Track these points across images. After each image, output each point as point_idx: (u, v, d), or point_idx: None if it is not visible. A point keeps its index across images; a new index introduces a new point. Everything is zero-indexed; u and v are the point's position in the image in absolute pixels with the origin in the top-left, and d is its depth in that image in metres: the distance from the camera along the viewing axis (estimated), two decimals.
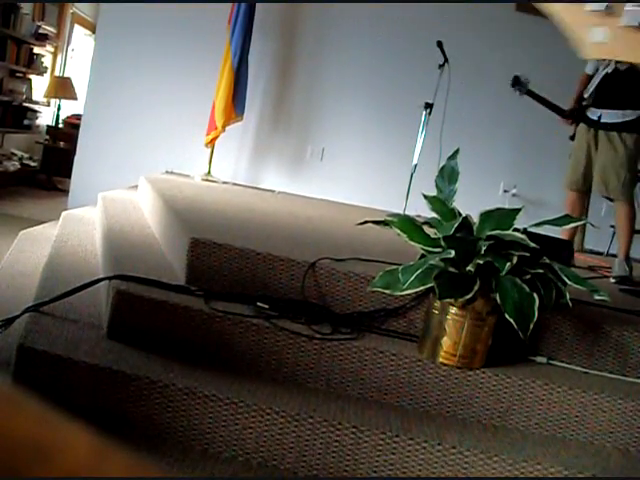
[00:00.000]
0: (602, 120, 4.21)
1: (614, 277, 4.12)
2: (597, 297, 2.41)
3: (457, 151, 2.62)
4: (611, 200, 4.38)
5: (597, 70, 4.24)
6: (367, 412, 2.36)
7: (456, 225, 2.21)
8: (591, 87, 4.26)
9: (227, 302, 2.61)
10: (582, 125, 4.39)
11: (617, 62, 4.10)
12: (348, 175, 6.07)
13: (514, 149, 5.99)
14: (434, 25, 5.81)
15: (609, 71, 4.16)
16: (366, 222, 2.48)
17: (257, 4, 5.66)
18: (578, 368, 2.73)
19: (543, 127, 5.25)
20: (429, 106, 5.23)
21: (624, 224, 4.18)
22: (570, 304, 2.48)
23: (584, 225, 5.02)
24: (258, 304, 2.61)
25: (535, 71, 4.90)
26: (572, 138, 4.57)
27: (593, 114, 4.27)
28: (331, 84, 6.11)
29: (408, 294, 2.45)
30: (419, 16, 5.93)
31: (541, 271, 2.30)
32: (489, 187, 5.80)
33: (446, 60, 5.24)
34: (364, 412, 2.35)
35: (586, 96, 4.32)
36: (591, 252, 5.27)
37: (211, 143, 5.76)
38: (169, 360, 2.41)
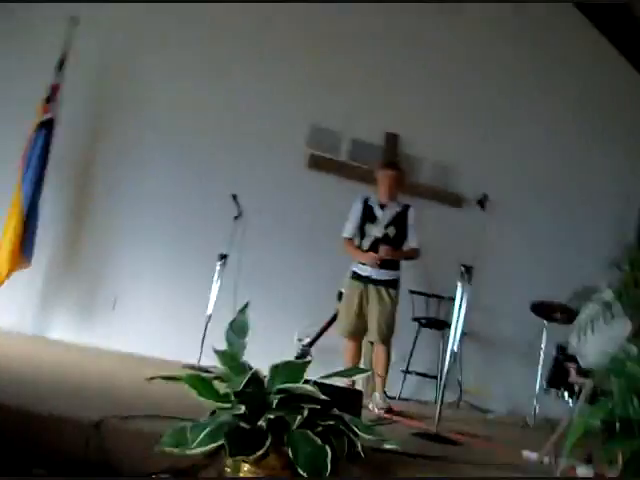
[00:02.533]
0: (373, 277, 5.03)
1: (381, 408, 4.85)
2: (387, 446, 2.46)
3: (246, 305, 2.65)
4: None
5: (363, 233, 5.13)
6: None
7: (245, 380, 2.19)
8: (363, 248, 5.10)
9: None
10: (352, 280, 5.11)
11: (386, 227, 5.07)
12: (142, 325, 5.89)
13: (309, 298, 6.16)
14: (229, 177, 6.00)
15: (379, 235, 5.05)
16: (155, 378, 2.40)
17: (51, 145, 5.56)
18: None
19: (335, 277, 5.48)
20: (223, 257, 5.31)
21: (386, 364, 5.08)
22: (362, 454, 2.50)
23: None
24: (34, 470, 2.39)
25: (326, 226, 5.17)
26: (340, 296, 5.22)
27: (363, 271, 5.06)
28: (126, 230, 6.02)
29: (201, 452, 2.35)
30: (214, 168, 6.11)
31: (332, 422, 2.32)
32: (283, 336, 5.88)
33: (240, 212, 5.40)
34: None
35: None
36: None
37: None
38: None
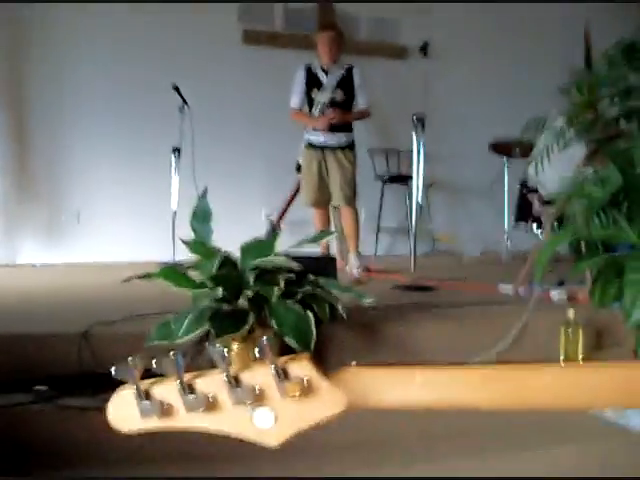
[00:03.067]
0: (328, 143, 5.03)
1: (357, 268, 4.96)
2: (365, 301, 2.54)
3: (205, 191, 2.65)
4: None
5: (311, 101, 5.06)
6: (168, 467, 2.29)
7: (217, 263, 2.23)
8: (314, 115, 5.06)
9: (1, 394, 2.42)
10: (308, 150, 5.10)
11: (333, 92, 5.00)
12: (110, 232, 5.89)
13: (269, 175, 6.17)
14: (168, 68, 5.83)
15: (327, 101, 4.99)
16: (130, 279, 2.42)
17: None
18: None
19: (289, 147, 5.46)
20: (176, 150, 5.24)
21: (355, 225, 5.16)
22: (344, 314, 2.59)
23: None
24: (36, 388, 2.45)
25: (272, 101, 5.10)
26: (298, 167, 5.27)
27: (318, 138, 5.04)
28: (74, 143, 5.90)
29: (188, 340, 2.42)
30: (150, 60, 5.93)
31: (310, 289, 2.38)
32: (251, 216, 5.92)
33: (185, 102, 5.29)
34: (172, 470, 2.28)
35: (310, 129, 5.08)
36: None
37: None
38: None
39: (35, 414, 2.33)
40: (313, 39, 5.17)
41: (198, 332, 2.28)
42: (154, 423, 0.66)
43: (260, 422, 0.66)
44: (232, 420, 0.66)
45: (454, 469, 2.35)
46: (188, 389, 0.66)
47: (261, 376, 0.65)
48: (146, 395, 0.66)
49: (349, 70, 5.06)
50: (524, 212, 5.53)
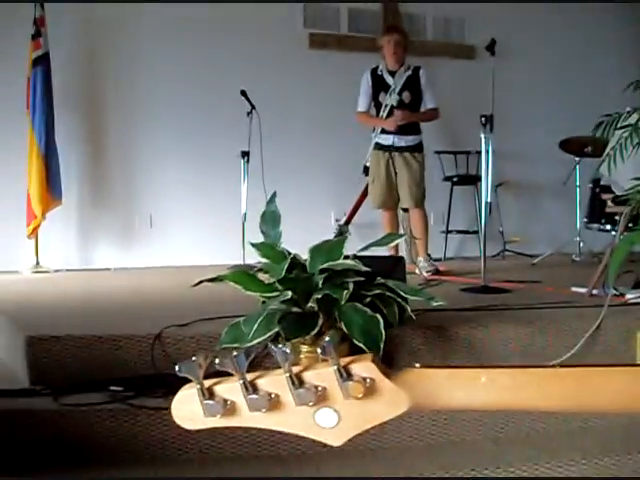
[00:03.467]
0: (396, 144, 5.02)
1: (427, 272, 4.94)
2: (434, 304, 2.52)
3: (274, 195, 2.68)
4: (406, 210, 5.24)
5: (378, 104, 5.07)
6: (244, 469, 2.32)
7: (286, 266, 2.25)
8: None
9: (78, 394, 2.49)
10: (376, 151, 5.11)
11: (400, 94, 4.98)
12: (181, 236, 6.00)
13: (337, 178, 6.18)
14: (236, 74, 5.91)
15: (394, 103, 4.97)
16: (201, 282, 2.47)
17: (53, 83, 5.52)
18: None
19: (358, 151, 5.46)
20: (245, 154, 5.31)
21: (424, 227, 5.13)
22: (413, 316, 2.58)
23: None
24: (111, 388, 2.52)
25: (338, 104, 5.12)
26: (366, 170, 5.23)
27: (385, 140, 5.04)
28: (146, 147, 6.03)
29: (258, 343, 2.45)
30: (222, 65, 6.02)
31: (379, 291, 2.38)
32: (321, 220, 5.95)
33: (253, 107, 5.35)
34: (242, 470, 2.32)
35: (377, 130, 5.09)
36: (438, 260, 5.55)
37: (33, 233, 5.53)
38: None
39: (109, 414, 2.39)
40: (378, 42, 5.16)
41: (268, 335, 2.30)
42: (217, 421, 0.67)
43: (323, 422, 0.66)
44: (295, 420, 0.66)
45: (526, 474, 2.32)
46: (251, 388, 0.67)
47: (324, 376, 0.65)
48: (210, 393, 0.67)
49: (415, 71, 5.05)
50: (597, 212, 5.39)
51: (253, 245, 2.54)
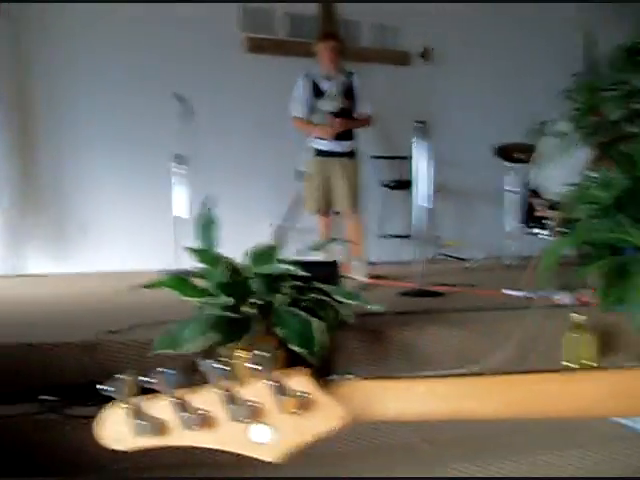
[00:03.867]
0: (335, 150, 5.05)
1: (364, 274, 4.99)
2: (372, 308, 2.53)
3: (209, 199, 2.65)
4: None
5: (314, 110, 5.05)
6: (180, 473, 2.29)
7: (221, 271, 2.23)
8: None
9: (9, 404, 2.42)
10: (314, 157, 5.10)
11: (336, 100, 4.99)
12: (114, 242, 5.89)
13: (273, 182, 6.17)
14: (171, 76, 5.83)
15: (332, 110, 4.98)
16: (136, 287, 2.42)
17: None
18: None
19: (295, 156, 5.45)
20: (179, 158, 5.24)
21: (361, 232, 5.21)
22: (352, 318, 2.59)
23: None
24: (43, 397, 2.45)
25: (275, 109, 5.11)
26: (299, 175, 5.21)
27: (324, 146, 5.06)
28: (78, 152, 5.90)
29: (193, 349, 2.42)
30: (157, 68, 5.93)
31: (315, 296, 2.38)
32: (257, 224, 5.92)
33: (187, 111, 5.29)
34: (180, 475, 2.28)
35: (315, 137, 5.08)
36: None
37: None
38: None
39: (42, 424, 2.33)
40: (314, 48, 5.16)
41: (203, 341, 2.27)
42: (148, 441, 0.64)
43: (257, 437, 0.65)
44: (228, 436, 0.64)
45: (461, 474, 2.35)
46: (182, 406, 0.64)
47: (258, 390, 0.63)
48: (139, 412, 0.64)
49: (349, 76, 5.07)
50: (528, 216, 5.52)
51: (189, 250, 2.51)
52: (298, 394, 0.64)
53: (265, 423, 0.64)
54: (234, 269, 2.36)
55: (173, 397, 0.65)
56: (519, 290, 3.96)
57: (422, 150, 4.29)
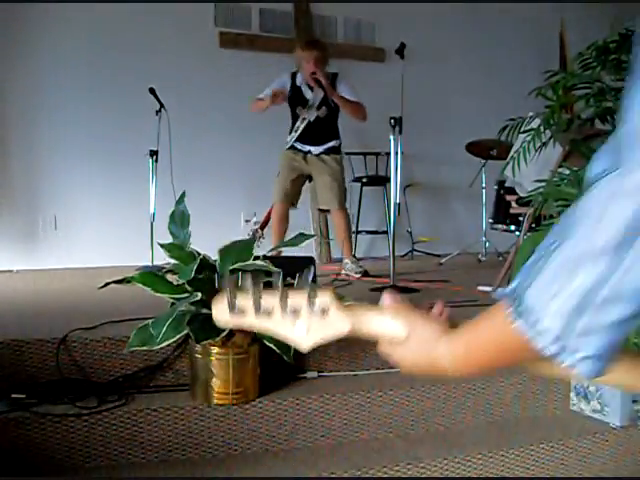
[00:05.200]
0: (313, 152, 4.98)
1: (357, 273, 4.87)
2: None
3: (183, 194, 2.64)
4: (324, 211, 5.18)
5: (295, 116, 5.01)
6: (153, 472, 2.28)
7: (195, 267, 2.22)
8: (297, 130, 4.96)
9: None
10: (289, 151, 5.02)
11: (318, 109, 4.94)
12: (87, 237, 5.84)
13: (247, 178, 6.15)
14: (145, 71, 5.78)
15: (311, 119, 4.92)
16: (108, 284, 2.41)
17: None
18: (347, 373, 2.86)
19: (270, 152, 5.44)
20: (154, 153, 5.20)
21: (348, 228, 5.06)
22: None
23: (327, 238, 5.50)
24: (13, 396, 2.42)
25: (247, 101, 5.09)
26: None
27: (302, 147, 4.99)
28: (50, 145, 5.84)
29: (168, 345, 2.41)
30: (131, 62, 5.88)
31: None
32: (231, 220, 5.90)
33: (162, 106, 5.26)
34: (151, 474, 2.27)
35: (294, 134, 4.98)
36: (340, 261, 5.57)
37: None
38: None
39: (12, 422, 2.30)
40: (296, 53, 4.99)
41: (177, 337, 2.27)
42: (235, 319, 0.89)
43: (298, 331, 0.88)
44: (281, 326, 0.88)
45: (437, 470, 2.36)
46: (258, 300, 0.88)
47: (300, 298, 0.87)
48: (234, 300, 0.89)
49: (332, 80, 4.95)
50: (501, 213, 5.56)
51: (162, 246, 2.50)
52: (323, 305, 0.88)
53: (303, 321, 0.87)
54: (208, 265, 2.35)
55: (253, 293, 0.89)
56: (494, 286, 4.00)
57: (397, 146, 4.29)
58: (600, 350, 0.71)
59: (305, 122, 4.94)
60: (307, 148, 4.99)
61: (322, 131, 5.00)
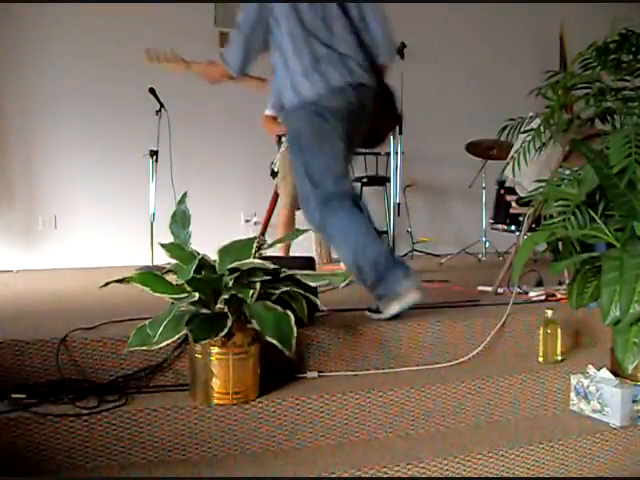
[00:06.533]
0: None
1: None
2: (342, 285, 2.56)
3: (184, 195, 2.64)
4: None
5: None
6: (154, 473, 2.28)
7: (193, 267, 2.22)
8: None
9: None
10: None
11: None
12: (87, 237, 5.85)
13: (247, 179, 6.15)
14: (145, 71, 5.77)
15: None
16: (108, 283, 2.40)
17: None
18: (347, 373, 2.86)
19: (271, 152, 5.44)
20: (154, 153, 5.21)
21: None
22: (324, 308, 2.61)
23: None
24: (13, 396, 2.42)
25: (250, 104, 5.09)
26: (273, 174, 5.18)
27: None
28: (50, 145, 5.85)
29: (167, 345, 2.41)
30: (131, 63, 5.88)
31: (286, 289, 2.38)
32: (231, 220, 5.90)
33: (162, 106, 5.26)
34: (151, 474, 2.27)
35: None
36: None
37: None
38: None
39: (12, 423, 2.30)
40: None
41: (176, 337, 2.27)
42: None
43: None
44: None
45: (437, 470, 2.36)
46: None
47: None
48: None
49: None
50: (502, 213, 5.56)
51: (162, 246, 2.50)
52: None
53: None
54: (208, 265, 2.35)
55: None
56: (494, 286, 3.99)
57: (397, 146, 4.29)
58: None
59: None
60: None
61: None
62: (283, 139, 5.06)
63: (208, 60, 3.35)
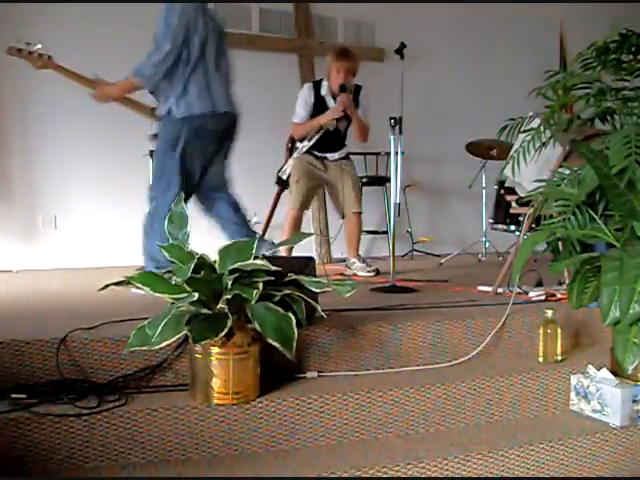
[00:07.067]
0: (329, 157, 5.12)
1: (368, 271, 4.96)
2: (347, 295, 2.55)
3: (180, 196, 2.65)
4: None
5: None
6: (154, 473, 2.28)
7: (192, 267, 2.22)
8: (311, 140, 5.06)
9: None
10: (306, 156, 5.10)
11: (338, 121, 5.02)
12: (87, 237, 5.84)
13: (247, 179, 6.14)
14: None
15: (331, 129, 5.02)
16: (107, 286, 2.41)
17: None
18: (347, 373, 2.86)
19: (271, 153, 5.44)
20: (153, 153, 5.20)
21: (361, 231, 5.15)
22: (324, 315, 2.60)
23: (327, 238, 5.53)
24: (13, 396, 2.42)
25: (249, 104, 5.08)
26: (279, 181, 5.24)
27: (319, 153, 5.12)
28: (50, 144, 5.84)
29: (167, 345, 2.41)
30: (131, 63, 5.87)
31: (288, 291, 2.39)
32: None
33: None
34: (151, 474, 2.27)
35: (308, 142, 5.09)
36: (342, 261, 5.58)
37: None
38: None
39: (12, 423, 2.30)
40: (328, 63, 5.06)
41: (176, 337, 2.27)
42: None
43: None
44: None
45: (437, 470, 2.36)
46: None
47: None
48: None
49: (356, 92, 5.05)
50: (501, 213, 5.57)
51: (161, 247, 2.50)
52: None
53: None
54: (207, 265, 2.35)
55: None
56: (494, 286, 3.99)
57: (397, 146, 4.29)
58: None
59: (322, 132, 5.01)
60: (324, 154, 5.11)
61: (338, 139, 5.14)
62: (298, 144, 5.10)
63: None
